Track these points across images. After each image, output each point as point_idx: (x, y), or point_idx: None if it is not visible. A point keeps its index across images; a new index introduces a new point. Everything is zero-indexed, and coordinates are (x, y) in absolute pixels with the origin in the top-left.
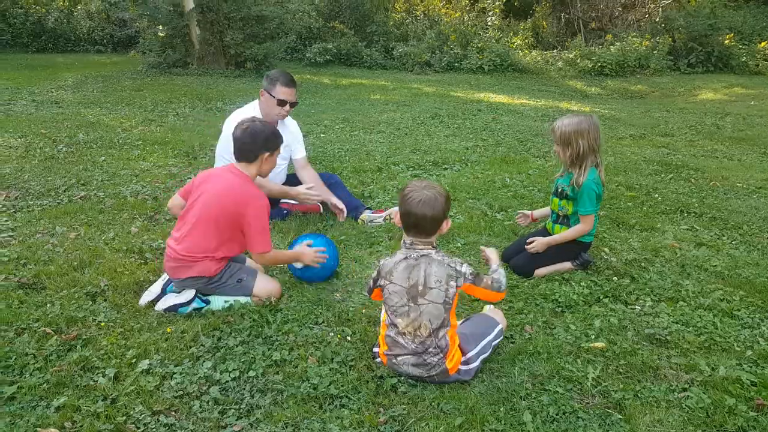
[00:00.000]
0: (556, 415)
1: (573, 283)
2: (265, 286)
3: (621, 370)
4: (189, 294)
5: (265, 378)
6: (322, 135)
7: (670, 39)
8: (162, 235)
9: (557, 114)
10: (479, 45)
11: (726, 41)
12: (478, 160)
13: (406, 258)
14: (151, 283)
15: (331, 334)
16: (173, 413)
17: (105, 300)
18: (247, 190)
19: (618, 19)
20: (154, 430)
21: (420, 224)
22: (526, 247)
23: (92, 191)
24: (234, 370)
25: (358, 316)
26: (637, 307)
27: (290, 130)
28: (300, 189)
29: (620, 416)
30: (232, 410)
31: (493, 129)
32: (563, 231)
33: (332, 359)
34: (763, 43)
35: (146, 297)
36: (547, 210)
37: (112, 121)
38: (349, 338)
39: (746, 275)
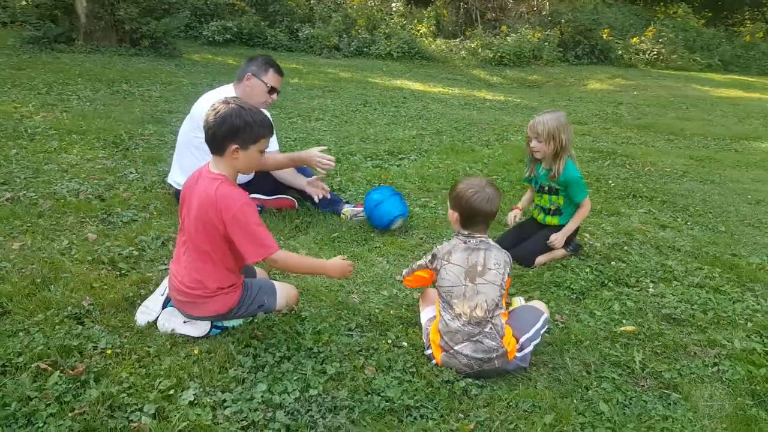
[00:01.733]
0: (625, 401)
1: (577, 270)
2: (284, 296)
3: (657, 351)
4: (204, 326)
5: (329, 395)
6: None
7: (559, 32)
8: (127, 241)
9: (477, 103)
10: (386, 31)
11: (604, 36)
12: (429, 149)
13: (464, 242)
14: (143, 297)
15: (373, 339)
16: None
17: (94, 322)
18: (221, 191)
19: (511, 10)
20: None
21: (487, 221)
22: (549, 243)
23: (19, 191)
24: (293, 390)
25: (390, 318)
26: (644, 289)
27: None
28: (313, 152)
29: (678, 395)
30: None
31: (427, 117)
32: (564, 220)
33: (390, 367)
34: (635, 39)
35: (144, 317)
36: (526, 197)
37: (2, 105)
38: (391, 342)
39: (712, 253)
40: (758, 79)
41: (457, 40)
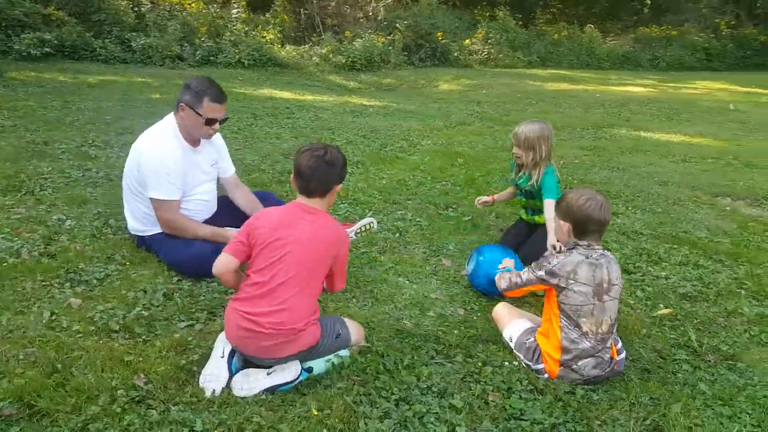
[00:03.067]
0: (712, 377)
1: None
2: (355, 329)
3: (700, 328)
4: (295, 368)
5: (480, 426)
6: None
7: (401, 36)
8: (120, 301)
9: (355, 109)
10: (231, 38)
11: (439, 39)
12: (361, 160)
13: (586, 257)
14: (197, 363)
15: (465, 363)
16: None
17: (165, 402)
18: (338, 227)
19: (348, 16)
20: None
21: (603, 229)
22: (555, 245)
23: None
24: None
25: (459, 339)
26: (646, 273)
27: (216, 145)
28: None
29: (745, 364)
30: None
31: (329, 128)
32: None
33: (510, 389)
34: (467, 41)
35: (211, 385)
36: (506, 192)
37: None
38: (482, 363)
39: (668, 232)
40: (572, 72)
41: (307, 46)
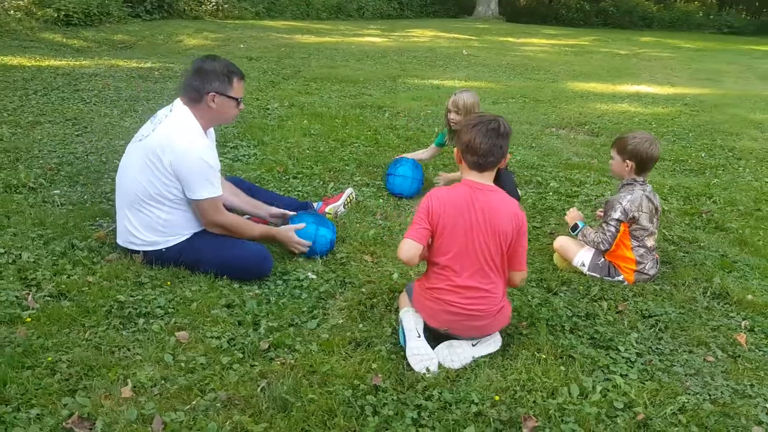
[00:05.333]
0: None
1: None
2: None
3: None
4: (498, 340)
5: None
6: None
7: None
8: (226, 322)
9: (141, 73)
10: None
11: None
12: (241, 132)
13: (643, 191)
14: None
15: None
16: None
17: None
18: (514, 201)
19: None
20: None
21: (656, 163)
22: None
23: None
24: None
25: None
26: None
27: (212, 137)
28: (290, 234)
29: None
30: None
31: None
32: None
33: (624, 299)
34: None
35: (423, 363)
36: (428, 153)
37: None
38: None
39: (561, 161)
40: (304, 23)
41: None
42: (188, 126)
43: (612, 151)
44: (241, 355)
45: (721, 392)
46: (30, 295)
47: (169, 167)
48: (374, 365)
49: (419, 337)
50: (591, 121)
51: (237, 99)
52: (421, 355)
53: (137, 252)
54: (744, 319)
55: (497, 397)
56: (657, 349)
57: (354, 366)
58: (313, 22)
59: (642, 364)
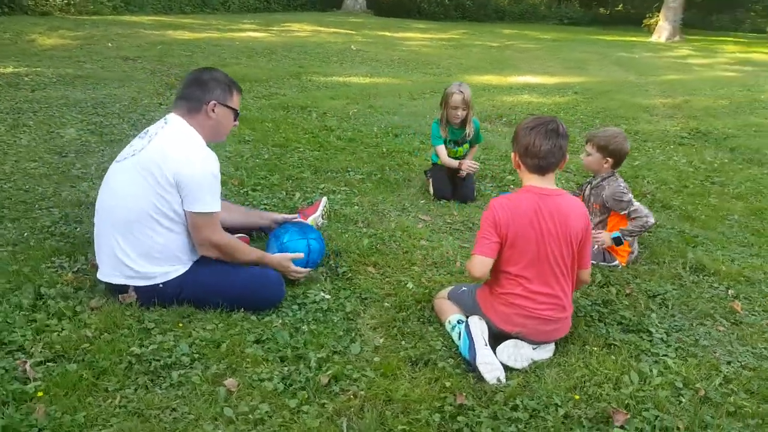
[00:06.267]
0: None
1: None
2: None
3: None
4: (553, 347)
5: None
6: None
7: None
8: (274, 363)
9: (9, 81)
10: None
11: None
12: None
13: (624, 181)
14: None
15: None
16: None
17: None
18: (579, 201)
19: None
20: None
21: None
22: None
23: None
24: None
25: None
26: None
27: None
28: (286, 263)
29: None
30: None
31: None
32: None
33: (627, 282)
34: None
35: (494, 374)
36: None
37: None
38: None
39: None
40: (172, 18)
41: None
42: (190, 135)
43: (588, 147)
44: (306, 395)
45: (746, 357)
46: (26, 364)
47: (171, 178)
48: (447, 383)
49: (486, 345)
50: (505, 113)
51: (236, 111)
52: (491, 364)
53: (126, 288)
54: (728, 288)
55: (576, 396)
56: (677, 326)
57: (426, 388)
58: (178, 16)
59: (675, 342)
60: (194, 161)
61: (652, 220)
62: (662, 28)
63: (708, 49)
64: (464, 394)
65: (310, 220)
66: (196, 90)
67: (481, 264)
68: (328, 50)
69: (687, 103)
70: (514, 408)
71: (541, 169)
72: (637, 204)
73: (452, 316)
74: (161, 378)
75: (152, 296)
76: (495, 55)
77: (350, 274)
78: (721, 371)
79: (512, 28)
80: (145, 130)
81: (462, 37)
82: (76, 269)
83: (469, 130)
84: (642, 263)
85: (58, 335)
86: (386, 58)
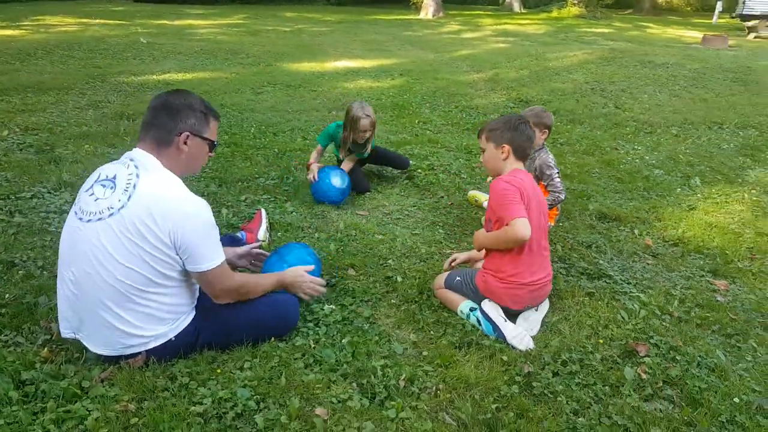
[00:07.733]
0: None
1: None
2: None
3: None
4: (547, 301)
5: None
6: None
7: None
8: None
9: None
10: None
11: None
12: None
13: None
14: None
15: None
16: None
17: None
18: None
19: None
20: None
21: None
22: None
23: None
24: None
25: None
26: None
27: None
28: (304, 274)
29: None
30: None
31: None
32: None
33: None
34: None
35: (524, 342)
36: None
37: None
38: None
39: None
40: None
41: None
42: (171, 183)
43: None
44: (399, 403)
45: (680, 280)
46: None
47: (168, 240)
48: (503, 357)
49: (506, 321)
50: (359, 99)
51: (213, 142)
52: (519, 336)
53: (135, 356)
54: (633, 229)
55: (600, 341)
56: (621, 266)
57: (488, 366)
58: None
59: (631, 279)
60: (189, 216)
61: (562, 197)
62: (428, 5)
63: (471, 23)
64: (527, 363)
65: (261, 236)
66: (165, 118)
67: (524, 225)
68: (114, 46)
69: (497, 75)
70: (564, 363)
71: (526, 156)
72: (557, 179)
73: (462, 304)
74: (247, 429)
75: (164, 354)
76: (295, 41)
77: (334, 282)
78: (674, 295)
79: (289, 10)
80: (104, 175)
81: (248, 22)
82: (40, 341)
83: (369, 145)
84: (562, 220)
85: (95, 421)
86: (186, 50)
